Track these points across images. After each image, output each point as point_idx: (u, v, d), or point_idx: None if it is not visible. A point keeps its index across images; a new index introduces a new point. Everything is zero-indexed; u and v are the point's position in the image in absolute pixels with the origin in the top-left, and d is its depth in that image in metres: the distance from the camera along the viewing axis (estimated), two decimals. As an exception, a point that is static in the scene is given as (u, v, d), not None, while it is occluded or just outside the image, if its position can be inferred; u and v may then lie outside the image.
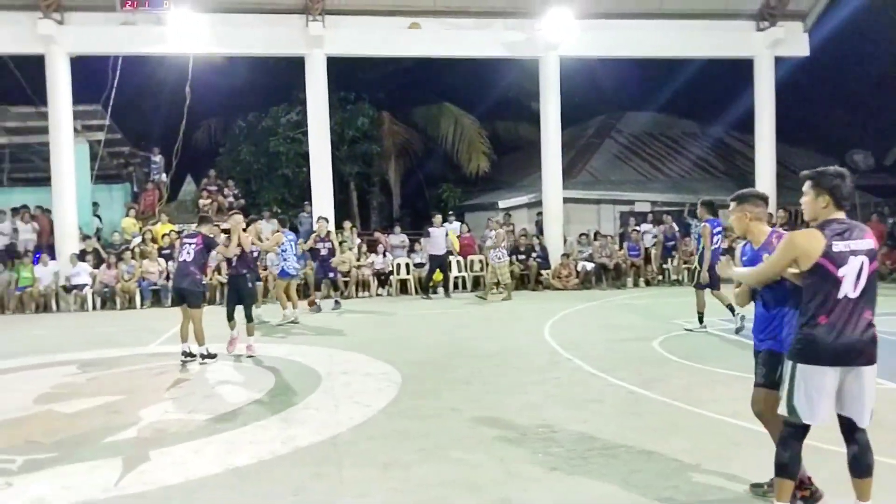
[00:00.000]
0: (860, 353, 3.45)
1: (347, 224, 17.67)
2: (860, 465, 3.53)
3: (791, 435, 3.56)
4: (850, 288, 3.43)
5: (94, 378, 8.01)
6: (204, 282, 9.48)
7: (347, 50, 17.03)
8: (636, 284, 16.82)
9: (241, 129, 22.98)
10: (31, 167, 19.64)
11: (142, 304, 15.27)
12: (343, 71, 19.53)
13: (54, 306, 15.17)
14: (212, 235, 9.09)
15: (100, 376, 8.10)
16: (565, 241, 17.89)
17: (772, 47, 18.09)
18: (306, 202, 18.22)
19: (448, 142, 23.82)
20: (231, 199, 19.05)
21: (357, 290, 16.22)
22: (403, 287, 16.69)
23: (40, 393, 7.25)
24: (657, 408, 6.07)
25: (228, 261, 9.33)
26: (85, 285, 15.22)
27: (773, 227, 4.26)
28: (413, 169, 25.52)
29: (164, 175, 19.21)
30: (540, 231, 18.17)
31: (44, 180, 17.57)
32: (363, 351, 9.02)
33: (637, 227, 17.62)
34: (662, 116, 24.92)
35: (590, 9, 16.95)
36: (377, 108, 23.76)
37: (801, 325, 3.54)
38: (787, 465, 3.55)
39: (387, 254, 16.89)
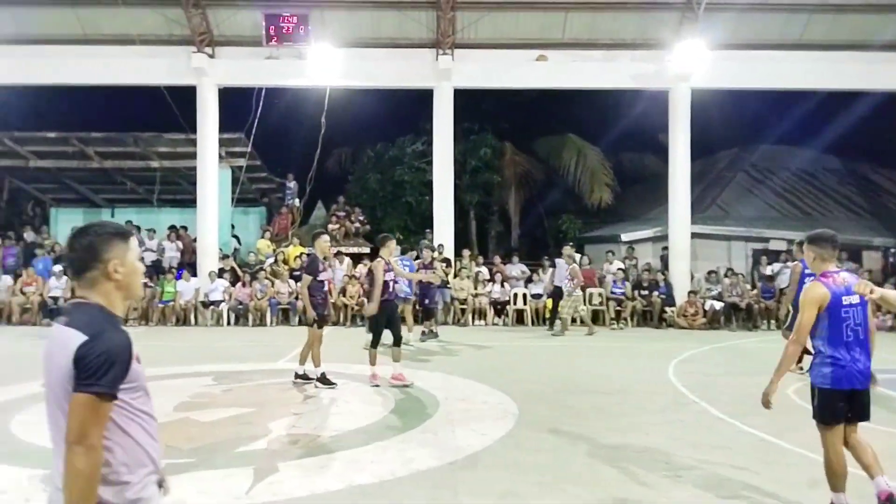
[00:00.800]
0: None
1: (466, 252, 17.89)
2: None
3: None
4: None
5: (227, 390, 8.48)
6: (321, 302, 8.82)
7: (475, 82, 17.39)
8: (769, 327, 15.88)
9: (369, 158, 23.91)
10: (179, 189, 21.26)
11: (272, 322, 16.04)
12: (468, 102, 19.92)
13: (193, 320, 16.21)
14: (321, 256, 8.83)
15: (233, 388, 8.56)
16: (692, 277, 17.21)
17: (923, 79, 16.80)
18: (427, 230, 18.61)
19: (570, 172, 23.67)
20: (357, 224, 19.78)
21: (473, 318, 16.31)
22: (520, 317, 16.60)
23: (180, 401, 7.74)
24: (792, 459, 5.68)
25: (385, 284, 8.71)
26: (221, 301, 16.20)
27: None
28: (533, 199, 25.50)
29: (297, 200, 20.23)
30: (665, 266, 17.58)
31: (189, 202, 18.99)
32: (480, 379, 9.04)
33: (771, 267, 16.70)
34: (801, 150, 23.64)
35: (725, 39, 16.43)
36: (500, 138, 24.04)
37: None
38: None
39: (504, 283, 16.89)
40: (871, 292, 3.64)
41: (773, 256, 17.62)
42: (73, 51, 16.79)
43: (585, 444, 6.07)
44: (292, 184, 20.36)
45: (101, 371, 2.05)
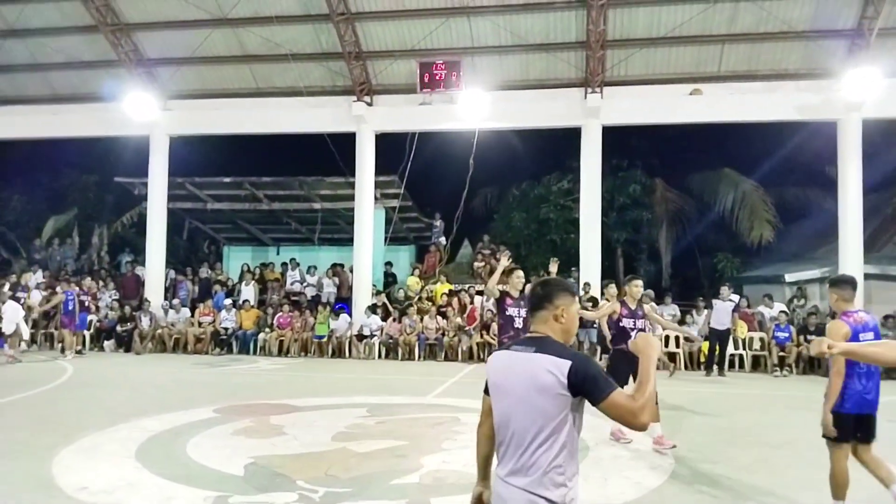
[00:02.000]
0: None
1: (613, 290, 17.44)
2: None
3: None
4: None
5: (381, 422, 8.79)
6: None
7: (624, 119, 17.16)
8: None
9: (514, 196, 24.14)
10: (337, 229, 22.53)
11: (419, 357, 16.47)
12: (616, 138, 19.65)
13: (347, 352, 16.96)
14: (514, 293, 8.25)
15: (386, 421, 8.86)
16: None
17: None
18: (573, 268, 18.41)
19: (726, 208, 22.60)
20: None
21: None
22: (671, 360, 15.90)
23: (337, 431, 8.13)
24: None
25: (621, 330, 7.98)
26: (374, 335, 16.86)
27: None
28: (685, 236, 24.54)
29: (443, 238, 20.78)
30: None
31: (346, 241, 20.04)
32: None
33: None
34: None
35: (900, 65, 15.21)
36: (650, 174, 23.45)
37: None
38: None
39: (655, 325, 16.27)
40: (830, 347, 3.55)
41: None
42: (248, 103, 18.48)
43: (751, 499, 5.71)
44: (439, 223, 20.95)
45: (601, 377, 2.62)
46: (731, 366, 15.38)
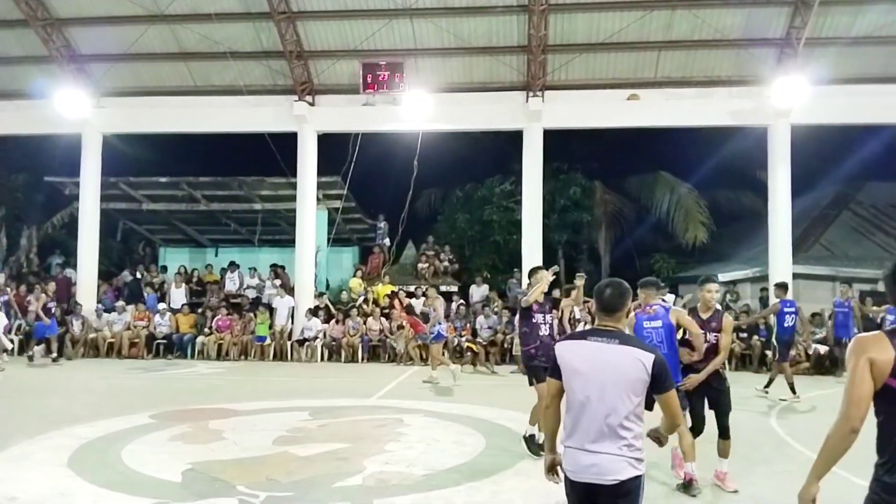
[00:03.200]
0: None
1: (556, 292, 17.71)
2: None
3: None
4: None
5: (323, 425, 8.71)
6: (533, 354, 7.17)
7: (565, 123, 17.44)
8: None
9: (458, 198, 24.27)
10: (278, 230, 22.20)
11: (362, 359, 16.37)
12: (557, 141, 19.97)
13: (289, 356, 16.71)
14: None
15: (328, 423, 8.79)
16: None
17: None
18: (515, 269, 18.62)
19: (662, 211, 23.24)
20: (446, 263, 20.04)
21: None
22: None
23: (278, 435, 8.02)
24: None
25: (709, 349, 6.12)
26: (316, 338, 16.68)
27: None
28: (623, 238, 25.12)
29: (388, 240, 20.73)
30: (765, 308, 16.87)
31: (287, 242, 19.78)
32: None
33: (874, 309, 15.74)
34: (912, 186, 22.34)
35: (826, 74, 15.89)
36: (589, 177, 23.90)
37: (875, 468, 2.64)
38: None
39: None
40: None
41: (880, 297, 16.59)
42: (186, 101, 18.06)
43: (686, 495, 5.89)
44: (383, 224, 20.90)
45: (669, 374, 3.21)
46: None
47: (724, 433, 6.09)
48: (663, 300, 6.73)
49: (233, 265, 19.83)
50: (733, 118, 16.92)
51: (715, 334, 6.10)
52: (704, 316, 6.23)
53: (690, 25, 16.19)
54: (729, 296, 17.71)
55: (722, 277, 19.69)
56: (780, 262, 16.65)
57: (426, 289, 16.49)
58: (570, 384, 3.25)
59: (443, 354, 13.57)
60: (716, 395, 6.09)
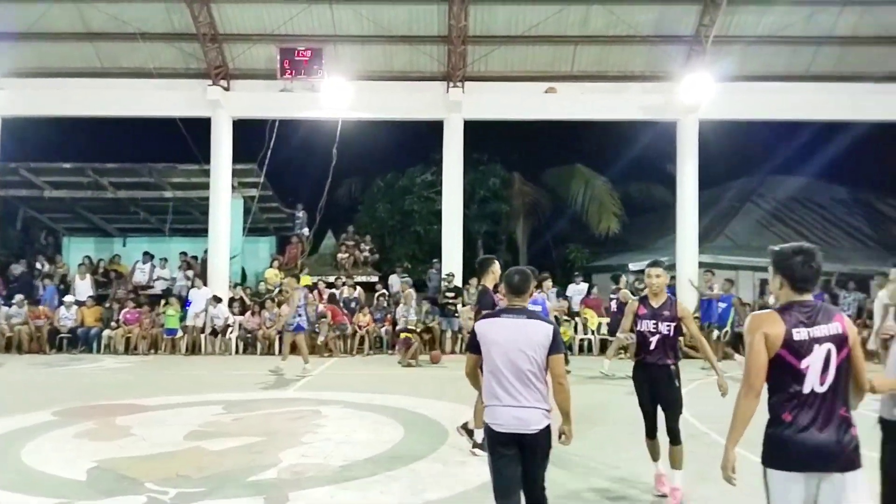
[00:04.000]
0: (833, 455, 2.97)
1: (473, 281, 17.89)
2: None
3: None
4: (815, 381, 3.00)
5: (237, 419, 8.52)
6: None
7: (485, 114, 17.59)
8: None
9: (378, 188, 24.16)
10: (191, 219, 21.47)
11: (280, 351, 16.07)
12: (477, 133, 20.15)
13: (202, 349, 16.22)
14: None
15: (243, 417, 8.60)
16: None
17: (935, 111, 16.96)
18: (435, 259, 18.70)
19: (578, 202, 23.83)
20: (366, 253, 19.89)
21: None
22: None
23: (190, 430, 7.79)
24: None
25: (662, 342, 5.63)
26: (227, 327, 16.23)
27: None
28: (541, 229, 25.62)
29: (306, 230, 20.38)
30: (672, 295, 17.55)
31: (201, 232, 19.16)
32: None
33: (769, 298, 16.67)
34: (809, 181, 23.73)
35: (732, 71, 16.64)
36: (508, 169, 24.26)
37: (767, 424, 3.14)
38: None
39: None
40: None
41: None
42: (92, 83, 17.20)
43: (596, 475, 6.08)
44: (301, 213, 20.53)
45: (561, 341, 3.96)
46: (581, 350, 16.27)
47: (674, 439, 5.56)
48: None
49: (147, 255, 19.06)
50: (645, 113, 17.49)
51: (667, 324, 5.58)
52: (655, 304, 5.70)
53: (606, 21, 16.60)
54: (637, 283, 18.30)
55: (633, 267, 20.36)
56: (688, 251, 17.39)
57: (285, 282, 15.32)
58: (490, 354, 3.89)
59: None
60: (665, 394, 5.60)
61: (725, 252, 19.79)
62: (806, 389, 3.01)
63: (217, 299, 16.47)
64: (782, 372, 3.05)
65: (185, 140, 17.51)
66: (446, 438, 7.32)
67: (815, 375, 3.01)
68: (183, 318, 16.34)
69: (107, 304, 17.27)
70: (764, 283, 18.45)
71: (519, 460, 3.85)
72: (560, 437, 3.98)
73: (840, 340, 3.03)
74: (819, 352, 3.01)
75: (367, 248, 20.16)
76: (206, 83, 16.92)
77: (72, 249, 21.34)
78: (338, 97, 16.58)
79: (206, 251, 18.06)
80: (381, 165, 24.36)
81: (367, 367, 12.51)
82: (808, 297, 3.13)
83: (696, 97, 16.61)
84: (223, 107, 17.10)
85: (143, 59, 16.81)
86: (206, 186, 17.77)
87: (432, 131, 18.58)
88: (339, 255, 19.63)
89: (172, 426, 8.01)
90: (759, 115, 17.78)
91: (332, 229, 22.14)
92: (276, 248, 21.92)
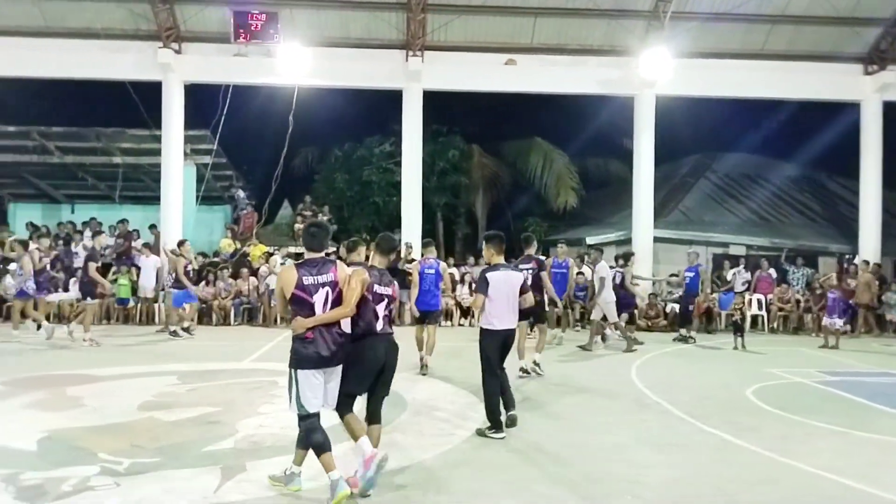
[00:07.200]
0: (333, 357, 4.68)
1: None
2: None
3: (308, 424, 4.70)
4: (321, 311, 4.62)
5: (193, 389, 8.40)
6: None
7: (444, 84, 17.47)
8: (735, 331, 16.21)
9: (336, 157, 23.82)
10: (142, 186, 20.92)
11: (235, 321, 15.89)
12: (437, 103, 19.98)
13: (156, 319, 15.91)
14: None
15: (198, 388, 8.49)
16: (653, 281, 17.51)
17: (880, 91, 17.45)
18: (395, 230, 18.61)
19: (537, 176, 23.91)
20: (324, 224, 19.67)
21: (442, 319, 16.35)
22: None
23: (144, 400, 7.66)
24: (750, 458, 5.86)
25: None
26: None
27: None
28: (500, 202, 25.68)
29: (249, 207, 19.82)
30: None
31: (152, 199, 18.70)
32: (446, 380, 9.10)
33: (734, 271, 17.09)
34: (761, 158, 24.21)
35: (689, 48, 16.81)
36: (468, 140, 24.17)
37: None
38: (322, 443, 4.65)
39: (472, 285, 16.96)
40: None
41: (734, 261, 18.02)
42: (36, 43, 16.53)
43: (552, 443, 6.18)
44: (242, 194, 20.07)
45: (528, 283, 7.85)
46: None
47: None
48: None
49: (94, 221, 18.49)
50: (603, 87, 17.59)
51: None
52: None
53: (566, -7, 16.55)
54: (587, 257, 18.51)
55: (590, 241, 20.65)
56: (643, 226, 17.68)
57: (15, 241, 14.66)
58: (497, 291, 6.46)
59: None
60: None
61: (680, 227, 20.14)
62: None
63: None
64: (298, 306, 4.70)
65: (135, 104, 17.00)
66: (405, 410, 7.34)
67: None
68: (134, 289, 15.97)
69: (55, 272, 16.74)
70: (718, 258, 18.93)
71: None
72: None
73: (334, 285, 4.71)
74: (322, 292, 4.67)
75: (325, 218, 19.94)
76: (157, 45, 16.41)
77: (18, 216, 20.62)
78: (294, 63, 16.25)
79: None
80: (339, 135, 24.02)
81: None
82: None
83: (653, 72, 16.75)
84: (174, 71, 16.62)
85: (90, 19, 16.20)
86: (157, 153, 17.32)
87: (391, 101, 18.35)
88: (297, 226, 19.38)
89: (125, 397, 7.87)
90: (714, 92, 18.04)
91: (288, 199, 21.85)
92: (230, 217, 21.52)
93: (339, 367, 4.77)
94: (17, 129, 18.63)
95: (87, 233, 18.29)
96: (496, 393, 6.46)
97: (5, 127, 18.64)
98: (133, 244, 17.56)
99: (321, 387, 4.67)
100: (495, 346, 6.50)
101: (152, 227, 18.22)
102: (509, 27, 17.26)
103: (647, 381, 9.34)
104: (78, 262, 15.60)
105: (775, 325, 16.56)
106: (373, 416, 5.20)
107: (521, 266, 9.38)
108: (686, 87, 17.50)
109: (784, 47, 17.52)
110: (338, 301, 4.70)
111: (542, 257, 11.43)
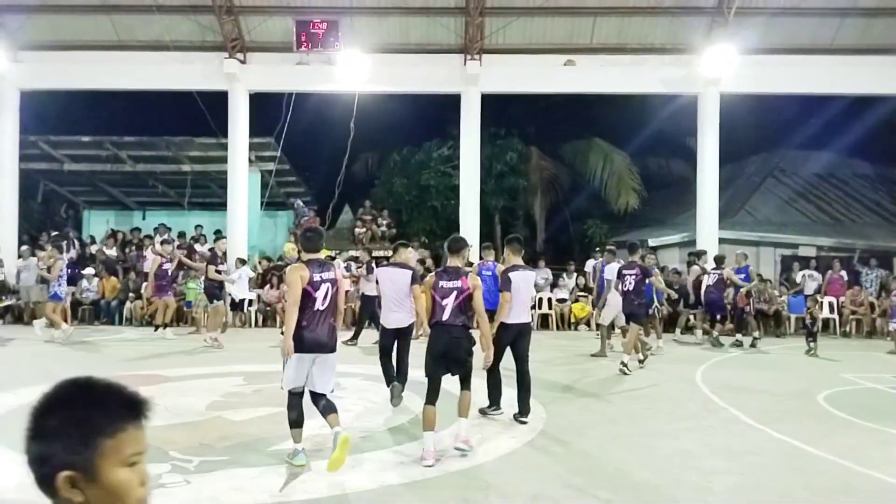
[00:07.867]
0: (327, 344, 5.39)
1: (491, 256, 17.86)
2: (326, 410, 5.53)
3: (290, 401, 5.50)
4: (320, 303, 5.27)
5: (258, 390, 8.60)
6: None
7: (502, 87, 17.44)
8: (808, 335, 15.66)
9: (395, 162, 24.07)
10: (209, 193, 21.57)
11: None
12: (494, 106, 19.97)
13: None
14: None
15: (263, 388, 8.67)
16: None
17: (961, 83, 16.60)
18: (454, 233, 18.63)
19: (596, 177, 23.59)
20: (384, 228, 19.91)
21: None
22: (544, 322, 16.59)
23: (212, 400, 7.88)
24: (823, 466, 5.64)
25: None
26: (244, 300, 16.30)
27: None
28: (559, 204, 25.45)
29: (310, 214, 20.10)
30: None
31: (219, 205, 19.25)
32: (506, 383, 9.04)
33: (804, 273, 16.52)
34: (832, 156, 23.30)
35: (754, 44, 16.33)
36: (526, 143, 24.04)
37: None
38: (294, 420, 5.44)
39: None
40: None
41: (804, 263, 17.41)
42: (109, 56, 17.21)
43: (616, 448, 6.09)
44: (300, 203, 20.39)
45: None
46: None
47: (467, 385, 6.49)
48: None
49: (163, 227, 19.15)
50: (665, 86, 17.25)
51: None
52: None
53: (625, -9, 16.32)
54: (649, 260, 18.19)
55: (652, 243, 20.23)
56: (707, 227, 17.23)
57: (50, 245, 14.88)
58: (517, 288, 6.88)
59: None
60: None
61: (746, 228, 19.57)
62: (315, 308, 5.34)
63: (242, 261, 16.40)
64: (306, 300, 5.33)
65: (202, 113, 17.51)
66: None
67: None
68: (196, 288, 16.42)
69: (127, 277, 17.42)
70: (786, 259, 18.33)
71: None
72: None
73: (334, 282, 5.46)
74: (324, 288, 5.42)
75: (385, 222, 20.20)
76: (223, 56, 16.89)
77: (92, 222, 21.54)
78: (354, 70, 16.49)
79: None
80: (398, 140, 24.25)
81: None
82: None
83: (717, 70, 16.35)
84: (240, 80, 17.08)
85: (160, 32, 16.77)
86: (223, 160, 17.82)
87: (449, 105, 18.44)
88: (357, 230, 19.68)
89: (194, 397, 8.11)
90: (781, 89, 17.47)
91: (349, 204, 22.16)
92: (293, 221, 21.97)
93: (332, 356, 5.48)
94: (92, 139, 19.48)
95: (157, 238, 18.96)
96: (499, 382, 7.28)
97: (80, 137, 19.52)
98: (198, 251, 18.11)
99: (306, 370, 5.37)
100: (508, 339, 7.07)
101: (217, 233, 18.76)
102: (568, 28, 17.12)
103: (713, 387, 9.10)
104: (145, 267, 16.17)
105: (847, 328, 15.92)
106: (462, 385, 6.21)
107: (624, 272, 10.24)
108: (751, 85, 17.00)
109: (854, 41, 16.85)
110: (335, 297, 5.44)
111: (645, 264, 11.23)
